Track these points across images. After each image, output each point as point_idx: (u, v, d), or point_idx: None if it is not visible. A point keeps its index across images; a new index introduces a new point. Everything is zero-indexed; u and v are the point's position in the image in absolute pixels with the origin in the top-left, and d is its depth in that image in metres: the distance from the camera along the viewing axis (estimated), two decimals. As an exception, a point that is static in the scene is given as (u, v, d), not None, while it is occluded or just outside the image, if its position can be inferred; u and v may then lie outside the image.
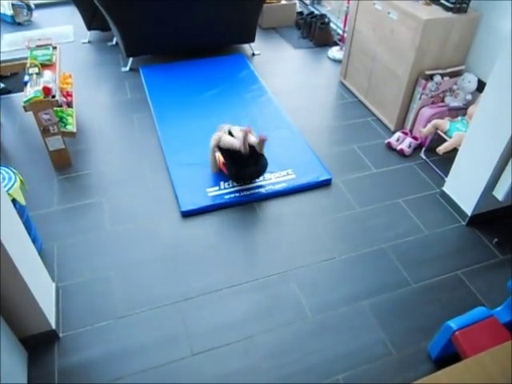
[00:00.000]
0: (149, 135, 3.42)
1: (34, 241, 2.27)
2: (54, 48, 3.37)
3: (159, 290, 2.34)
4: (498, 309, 2.05)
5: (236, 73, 4.20)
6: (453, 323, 1.90)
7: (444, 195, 2.90)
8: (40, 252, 2.43)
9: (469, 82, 3.13)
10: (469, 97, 3.18)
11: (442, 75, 3.16)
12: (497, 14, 2.93)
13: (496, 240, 2.64)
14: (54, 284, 2.30)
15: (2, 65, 3.74)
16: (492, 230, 2.70)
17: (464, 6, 2.98)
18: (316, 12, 5.25)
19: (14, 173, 2.32)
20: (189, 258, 2.51)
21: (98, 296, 2.30)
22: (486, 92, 2.45)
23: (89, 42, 4.76)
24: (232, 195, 2.84)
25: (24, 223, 2.09)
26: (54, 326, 2.09)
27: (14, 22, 5.10)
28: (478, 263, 2.52)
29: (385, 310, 2.27)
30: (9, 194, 2.16)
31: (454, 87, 3.22)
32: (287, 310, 2.26)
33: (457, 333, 1.86)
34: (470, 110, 3.05)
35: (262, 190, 2.89)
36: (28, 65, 3.09)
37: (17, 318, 1.93)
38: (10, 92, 3.92)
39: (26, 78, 2.99)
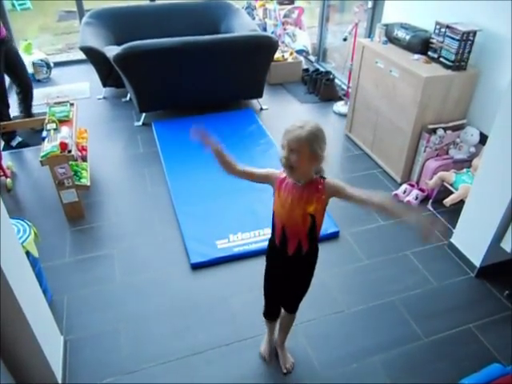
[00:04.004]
0: (159, 188, 3.50)
1: (44, 292, 2.29)
2: (72, 105, 3.53)
3: (168, 343, 2.32)
4: (514, 365, 2.00)
5: (245, 127, 4.34)
6: (468, 382, 1.85)
7: (452, 247, 2.90)
8: (50, 304, 2.44)
9: (471, 135, 3.20)
10: (472, 149, 3.24)
11: (445, 129, 3.24)
12: (495, 71, 3.05)
13: (507, 292, 2.61)
14: (62, 337, 2.29)
15: (22, 120, 3.92)
16: (502, 282, 2.67)
17: (463, 63, 3.11)
18: (321, 69, 5.48)
19: (28, 225, 2.38)
20: (198, 310, 2.50)
21: (106, 350, 2.28)
22: (488, 145, 2.51)
23: (104, 97, 4.97)
24: (241, 248, 2.86)
25: (36, 275, 2.12)
26: (60, 382, 2.06)
27: (34, 80, 5.35)
28: (489, 316, 2.48)
29: (397, 367, 2.22)
30: (23, 247, 2.21)
31: (457, 140, 3.30)
32: (296, 366, 2.22)
33: (472, 391, 1.81)
34: (475, 162, 3.10)
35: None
36: (46, 121, 3.24)
37: (23, 372, 1.91)
38: (27, 145, 4.07)
39: (44, 133, 3.13)
